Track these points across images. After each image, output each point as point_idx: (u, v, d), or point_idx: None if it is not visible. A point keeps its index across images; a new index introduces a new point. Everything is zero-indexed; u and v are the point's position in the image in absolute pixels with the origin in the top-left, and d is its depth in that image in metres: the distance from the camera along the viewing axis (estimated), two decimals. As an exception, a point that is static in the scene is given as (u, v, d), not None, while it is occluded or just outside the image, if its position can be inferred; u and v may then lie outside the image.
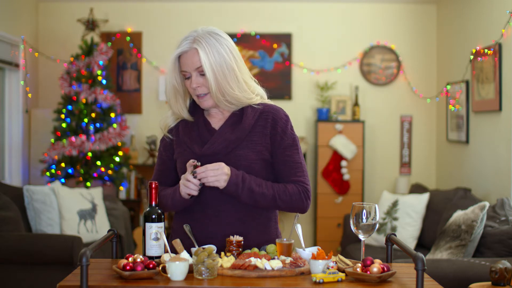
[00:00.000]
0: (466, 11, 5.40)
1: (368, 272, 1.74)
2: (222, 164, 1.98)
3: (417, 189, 5.56)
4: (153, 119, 6.27)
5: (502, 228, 3.75)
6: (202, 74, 2.04)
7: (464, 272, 3.35)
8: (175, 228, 2.18)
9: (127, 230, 5.20)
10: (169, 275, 1.75)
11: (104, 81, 5.62)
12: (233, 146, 2.06)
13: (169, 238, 2.10)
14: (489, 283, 3.07)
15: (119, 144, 5.68)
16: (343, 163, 5.98)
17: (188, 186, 1.97)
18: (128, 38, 6.28)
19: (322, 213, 6.04)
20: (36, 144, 6.01)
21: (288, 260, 1.86)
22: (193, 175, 1.96)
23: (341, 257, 1.91)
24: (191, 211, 2.10)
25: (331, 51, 6.32)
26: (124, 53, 6.32)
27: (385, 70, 6.30)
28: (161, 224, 1.97)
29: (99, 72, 5.58)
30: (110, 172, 5.59)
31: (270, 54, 6.31)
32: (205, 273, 1.75)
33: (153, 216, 1.97)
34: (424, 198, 4.95)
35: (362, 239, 1.96)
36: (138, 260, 1.79)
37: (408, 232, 4.87)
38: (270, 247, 1.97)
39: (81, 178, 5.51)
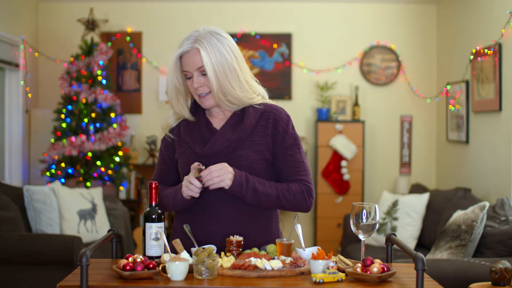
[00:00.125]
0: (466, 11, 5.40)
1: (368, 272, 1.74)
2: (226, 164, 1.98)
3: (417, 189, 5.56)
4: (153, 119, 6.27)
5: (502, 228, 3.75)
6: (203, 74, 2.04)
7: (464, 272, 3.35)
8: (176, 228, 2.18)
9: (127, 230, 5.20)
10: (169, 275, 1.75)
11: (104, 81, 5.62)
12: (235, 146, 2.06)
13: (170, 238, 2.10)
14: (489, 283, 3.06)
15: (119, 144, 5.68)
16: (343, 163, 5.98)
17: (191, 189, 1.98)
18: (128, 38, 6.28)
19: (322, 213, 6.04)
20: (36, 144, 6.00)
21: (288, 260, 1.86)
22: (198, 179, 1.97)
23: (341, 257, 1.91)
24: (191, 211, 2.10)
25: (331, 51, 6.32)
26: (124, 53, 6.32)
27: (385, 70, 6.30)
28: (161, 224, 1.97)
29: (99, 72, 5.58)
30: (110, 172, 5.59)
31: (270, 54, 6.30)
32: (205, 273, 1.75)
33: (153, 216, 1.97)
34: (424, 198, 4.94)
35: (362, 239, 1.96)
36: (138, 260, 1.79)
37: (408, 232, 4.87)
38: (270, 247, 1.97)
39: (81, 178, 5.50)
